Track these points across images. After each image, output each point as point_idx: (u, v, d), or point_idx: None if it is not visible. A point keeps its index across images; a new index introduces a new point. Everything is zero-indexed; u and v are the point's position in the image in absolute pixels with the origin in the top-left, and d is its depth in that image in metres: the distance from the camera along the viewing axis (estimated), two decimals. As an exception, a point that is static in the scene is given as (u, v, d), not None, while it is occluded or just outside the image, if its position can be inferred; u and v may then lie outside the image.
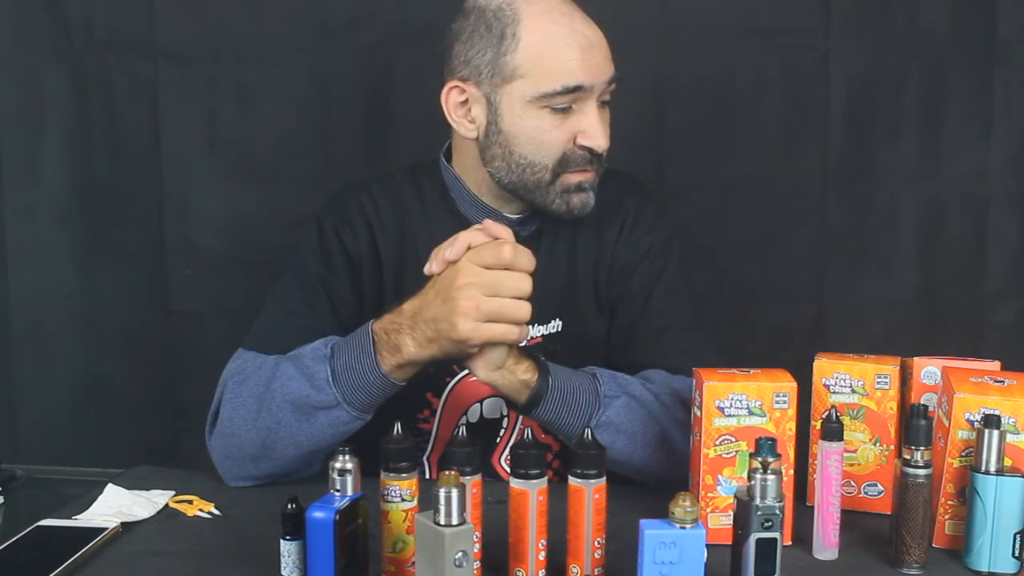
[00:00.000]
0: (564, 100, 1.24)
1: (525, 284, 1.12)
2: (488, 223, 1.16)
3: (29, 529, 1.09)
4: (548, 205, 1.29)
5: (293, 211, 1.74)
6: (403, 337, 1.16)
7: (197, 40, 1.87)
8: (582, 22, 1.25)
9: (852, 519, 1.12)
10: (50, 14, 1.88)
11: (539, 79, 1.23)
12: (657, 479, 1.21)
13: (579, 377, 1.22)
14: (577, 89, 1.23)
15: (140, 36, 1.86)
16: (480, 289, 1.11)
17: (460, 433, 0.99)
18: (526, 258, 1.13)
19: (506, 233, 1.14)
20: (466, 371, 1.33)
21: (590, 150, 1.25)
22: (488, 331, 1.12)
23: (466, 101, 1.29)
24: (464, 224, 1.21)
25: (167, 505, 1.19)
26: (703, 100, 1.84)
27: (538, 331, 1.33)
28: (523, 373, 1.19)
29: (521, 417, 1.35)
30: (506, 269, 1.12)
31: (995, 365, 1.16)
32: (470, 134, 1.30)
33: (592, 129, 1.25)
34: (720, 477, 1.07)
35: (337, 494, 0.95)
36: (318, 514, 0.91)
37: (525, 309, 1.12)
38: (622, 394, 1.21)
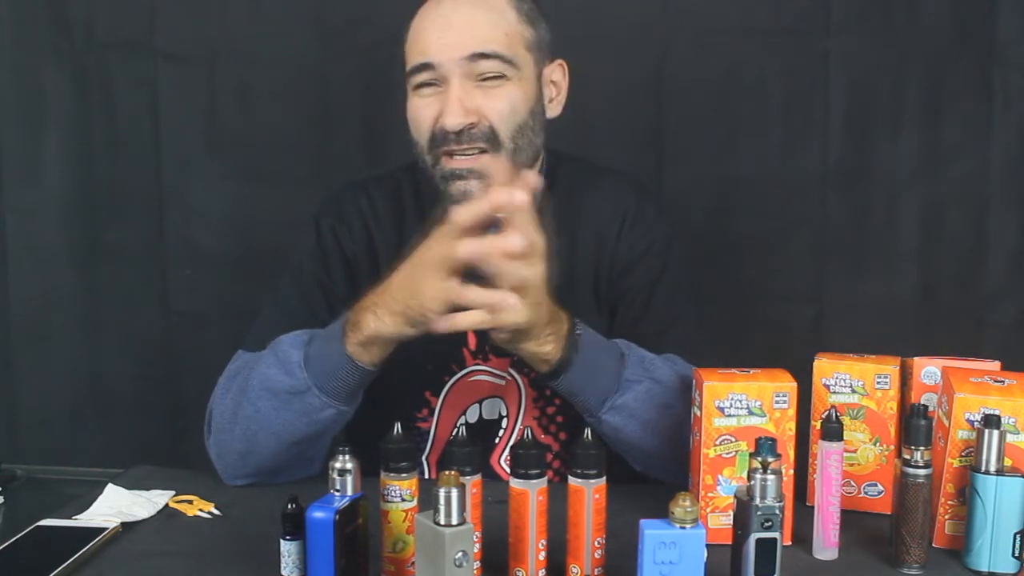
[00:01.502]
0: (422, 78, 1.25)
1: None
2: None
3: (29, 529, 1.09)
4: (439, 188, 1.28)
5: (293, 211, 1.73)
6: (365, 314, 1.14)
7: (197, 40, 1.87)
8: (452, 3, 1.26)
9: (852, 519, 1.12)
10: (50, 14, 1.88)
11: (406, 62, 1.28)
12: (663, 467, 1.21)
13: (606, 355, 1.20)
14: (426, 67, 1.24)
15: (140, 36, 1.87)
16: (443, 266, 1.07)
17: (460, 433, 0.99)
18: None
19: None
20: (465, 371, 1.33)
21: (448, 130, 1.24)
22: (466, 322, 1.08)
23: None
24: None
25: (167, 505, 1.19)
26: (703, 100, 1.84)
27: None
28: (547, 353, 1.16)
29: (521, 418, 1.36)
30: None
31: (995, 365, 1.16)
32: None
33: (446, 107, 1.24)
34: (720, 477, 1.07)
35: (337, 494, 0.95)
36: (318, 514, 0.91)
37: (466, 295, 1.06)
38: (645, 379, 1.20)
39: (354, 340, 1.15)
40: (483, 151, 1.25)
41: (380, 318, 1.12)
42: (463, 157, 1.25)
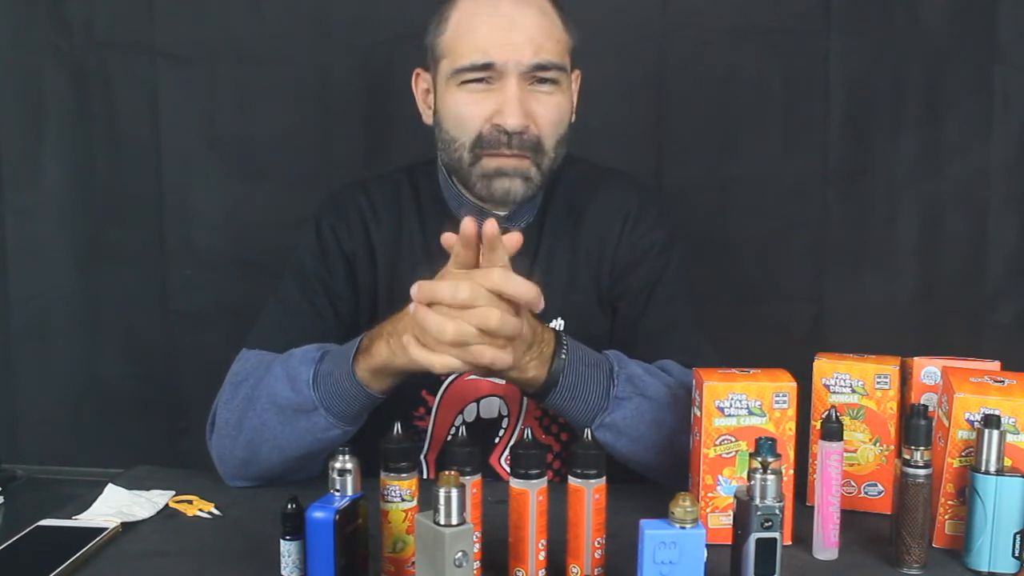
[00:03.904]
0: (477, 76, 1.24)
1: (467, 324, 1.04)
2: (446, 236, 1.10)
3: (29, 529, 1.09)
4: (473, 189, 1.29)
5: (293, 211, 1.74)
6: (379, 341, 1.14)
7: (197, 40, 1.87)
8: (511, 4, 1.25)
9: (852, 519, 1.12)
10: (50, 14, 1.88)
11: (456, 56, 1.26)
12: (660, 476, 1.21)
13: (595, 372, 1.19)
14: (488, 67, 1.24)
15: (140, 36, 1.87)
16: (427, 323, 1.05)
17: (460, 433, 0.99)
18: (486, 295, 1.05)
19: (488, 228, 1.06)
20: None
21: (506, 130, 1.24)
22: (442, 365, 1.07)
23: (428, 89, 1.33)
24: (457, 223, 1.21)
25: (167, 505, 1.19)
26: (703, 100, 1.84)
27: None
28: (530, 378, 1.16)
29: (522, 418, 1.36)
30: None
31: (995, 365, 1.16)
32: (428, 120, 1.34)
33: (506, 107, 1.23)
34: (720, 477, 1.07)
35: (337, 494, 0.95)
36: (318, 514, 0.91)
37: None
38: (635, 396, 1.19)
39: (365, 366, 1.15)
40: (527, 158, 1.26)
41: (393, 348, 1.12)
42: (507, 157, 1.25)
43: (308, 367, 1.18)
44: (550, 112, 1.27)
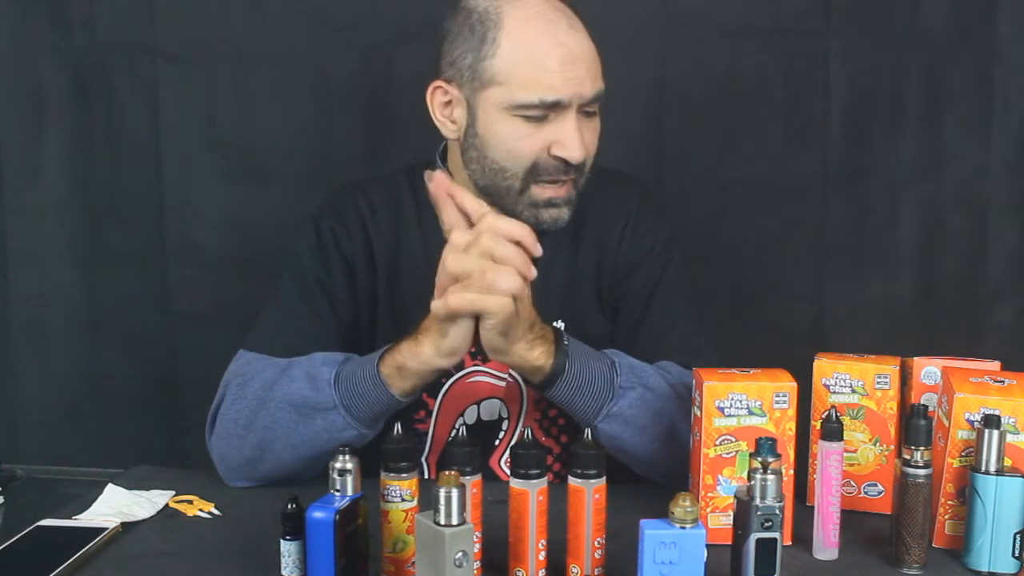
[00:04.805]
0: (540, 111, 1.22)
1: (500, 249, 1.08)
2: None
3: (29, 529, 1.10)
4: (517, 215, 1.25)
5: (293, 211, 1.73)
6: (407, 339, 1.16)
7: (197, 40, 1.87)
8: (566, 32, 1.22)
9: (852, 519, 1.12)
10: (50, 14, 1.88)
11: (515, 88, 1.22)
12: (663, 473, 1.21)
13: (598, 363, 1.20)
14: (555, 105, 1.21)
15: (140, 36, 1.87)
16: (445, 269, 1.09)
17: (460, 433, 0.99)
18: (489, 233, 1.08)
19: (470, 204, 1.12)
20: (463, 372, 1.33)
21: (564, 161, 1.24)
22: (455, 301, 1.09)
23: (449, 102, 1.29)
24: None
25: (167, 505, 1.19)
26: (703, 100, 1.84)
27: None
28: (536, 359, 1.16)
29: (522, 420, 1.36)
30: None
31: (995, 365, 1.16)
32: (451, 135, 1.30)
33: (567, 140, 1.22)
34: (720, 477, 1.07)
35: (337, 494, 0.95)
36: (318, 514, 0.91)
37: (498, 275, 1.08)
38: (638, 385, 1.20)
39: (390, 363, 1.16)
40: (574, 180, 1.27)
41: (420, 343, 1.14)
42: (558, 186, 1.26)
43: (331, 368, 1.19)
44: (595, 138, 1.28)
